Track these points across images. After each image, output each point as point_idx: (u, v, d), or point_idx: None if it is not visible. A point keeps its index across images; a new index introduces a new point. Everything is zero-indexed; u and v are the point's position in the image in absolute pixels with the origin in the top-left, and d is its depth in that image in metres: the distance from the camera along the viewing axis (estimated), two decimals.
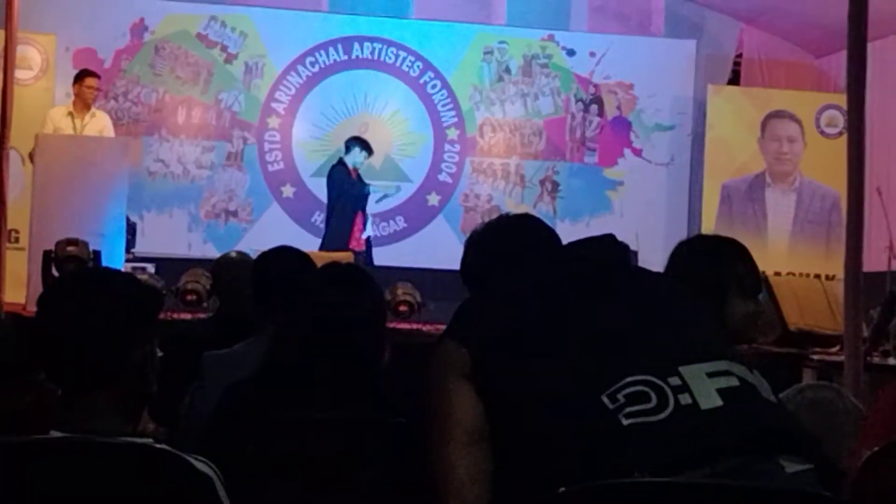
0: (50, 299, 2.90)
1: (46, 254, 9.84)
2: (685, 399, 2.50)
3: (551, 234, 3.36)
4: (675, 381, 2.52)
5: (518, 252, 3.23)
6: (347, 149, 12.71)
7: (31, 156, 11.01)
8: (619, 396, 2.49)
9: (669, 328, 2.69)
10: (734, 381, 2.58)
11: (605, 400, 2.49)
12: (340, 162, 12.69)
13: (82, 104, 11.59)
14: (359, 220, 12.63)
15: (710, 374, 2.56)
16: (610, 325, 2.67)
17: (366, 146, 12.74)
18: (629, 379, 2.52)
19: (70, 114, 11.53)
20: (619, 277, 2.88)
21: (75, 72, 12.08)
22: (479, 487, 2.63)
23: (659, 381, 2.52)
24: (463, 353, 2.74)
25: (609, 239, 3.06)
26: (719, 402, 2.51)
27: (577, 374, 2.57)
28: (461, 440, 2.65)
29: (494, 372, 2.68)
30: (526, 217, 3.41)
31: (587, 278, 2.82)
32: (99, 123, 11.66)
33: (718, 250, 4.03)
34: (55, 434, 2.76)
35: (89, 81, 11.66)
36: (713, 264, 3.92)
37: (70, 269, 9.63)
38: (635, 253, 14.70)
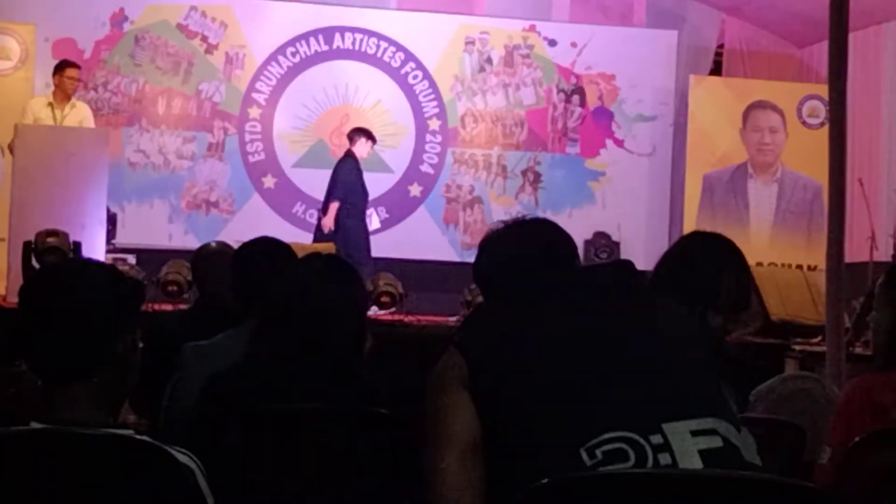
0: (31, 291, 2.90)
1: (26, 245, 9.82)
2: (665, 459, 2.50)
3: (571, 250, 3.29)
4: (656, 439, 2.52)
5: (534, 264, 3.13)
6: (352, 140, 12.69)
7: (10, 146, 10.98)
8: (598, 452, 2.49)
9: (663, 376, 2.65)
10: (717, 442, 2.56)
11: (584, 455, 2.49)
12: (349, 154, 12.66)
13: (62, 95, 11.54)
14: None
15: (695, 433, 2.55)
16: (606, 367, 2.65)
17: (370, 136, 12.74)
18: (609, 435, 2.51)
19: (50, 104, 11.48)
20: (627, 313, 2.82)
21: (55, 62, 12.03)
22: (471, 494, 2.63)
23: (640, 439, 2.51)
24: (461, 362, 2.73)
25: (627, 270, 3.00)
26: (699, 465, 2.51)
27: (561, 417, 2.56)
28: (456, 453, 2.65)
29: (486, 388, 2.67)
30: (547, 227, 3.30)
31: (594, 312, 2.79)
32: (79, 114, 11.62)
33: (712, 257, 3.99)
34: (35, 425, 2.75)
35: (70, 72, 11.62)
36: (702, 273, 3.89)
37: (50, 259, 9.62)
38: (617, 244, 14.76)
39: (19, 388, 3.65)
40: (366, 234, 12.75)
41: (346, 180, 12.53)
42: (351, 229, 12.49)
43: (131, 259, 11.70)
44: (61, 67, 11.69)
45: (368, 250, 12.64)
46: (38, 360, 2.85)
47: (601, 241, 14.17)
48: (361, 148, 12.65)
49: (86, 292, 2.82)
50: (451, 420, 2.68)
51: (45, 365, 2.83)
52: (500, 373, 2.66)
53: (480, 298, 11.50)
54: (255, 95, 14.27)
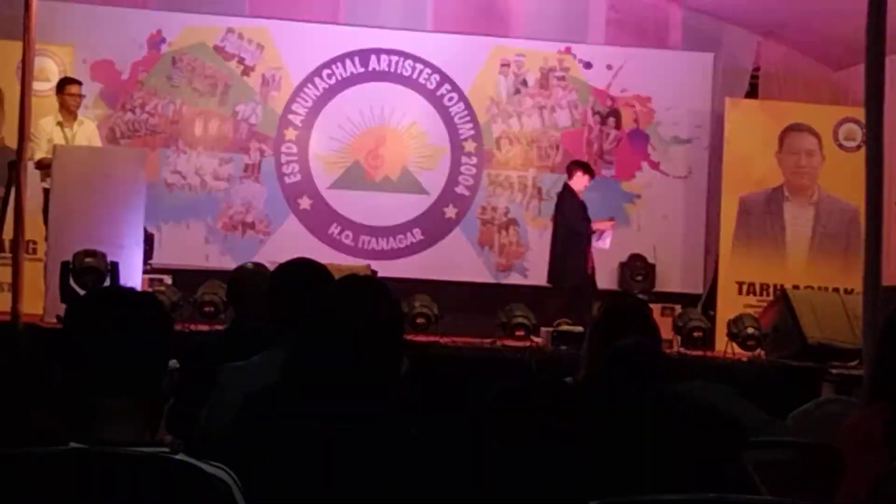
0: (87, 313, 2.94)
1: (64, 265, 9.87)
2: None
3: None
4: None
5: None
6: (570, 173, 12.82)
7: (38, 164, 11.06)
8: None
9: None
10: None
11: None
12: (567, 187, 12.88)
13: (68, 112, 11.59)
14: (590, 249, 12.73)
15: None
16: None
17: (588, 170, 12.89)
18: None
19: (59, 123, 11.54)
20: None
21: (94, 84, 12.10)
22: None
23: None
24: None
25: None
26: None
27: None
28: None
29: None
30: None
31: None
32: (87, 131, 11.69)
33: None
34: (75, 445, 2.77)
35: (70, 89, 11.67)
36: None
37: (89, 280, 9.67)
38: (652, 266, 14.74)
39: (55, 407, 3.67)
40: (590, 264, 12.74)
41: (568, 215, 12.65)
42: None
43: (167, 280, 11.76)
44: (62, 85, 11.77)
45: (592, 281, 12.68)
46: (81, 379, 2.87)
47: (636, 263, 14.16)
48: (579, 181, 12.79)
49: (142, 318, 2.92)
50: None
51: (89, 384, 2.85)
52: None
53: (516, 320, 11.54)
54: (291, 117, 14.33)
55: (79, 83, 11.86)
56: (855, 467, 3.55)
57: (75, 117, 11.65)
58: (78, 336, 2.88)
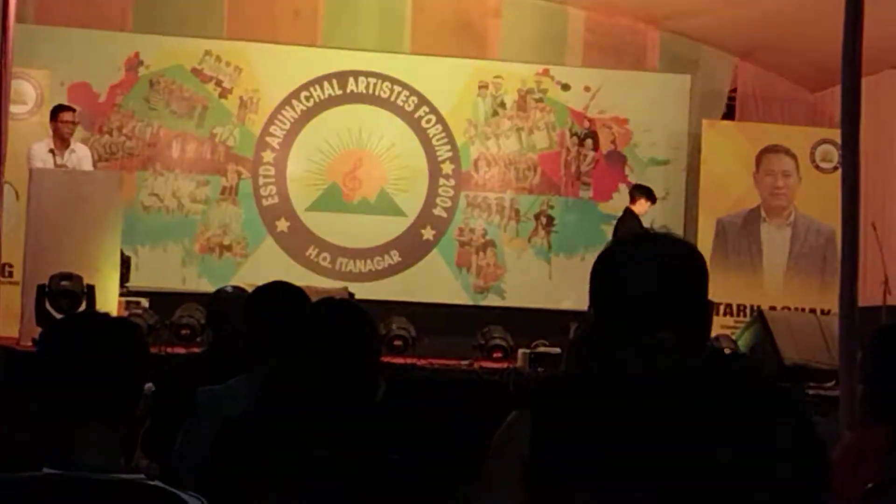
0: (60, 339, 2.92)
1: (40, 288, 9.84)
2: None
3: None
4: None
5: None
6: (633, 198, 13.06)
7: None
8: None
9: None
10: None
11: None
12: (629, 211, 13.05)
13: (60, 140, 11.54)
14: None
15: None
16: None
17: (651, 197, 13.10)
18: None
19: (51, 151, 11.49)
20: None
21: (70, 107, 12.05)
22: None
23: None
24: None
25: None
26: None
27: None
28: None
29: None
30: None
31: None
32: (77, 159, 11.60)
33: None
34: (48, 471, 2.75)
35: (63, 116, 11.60)
36: None
37: (64, 303, 9.64)
38: None
39: (30, 432, 3.65)
40: None
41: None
42: None
43: (144, 302, 11.72)
44: (55, 113, 11.69)
45: None
46: (58, 405, 2.85)
47: None
48: (641, 206, 13.03)
49: (129, 345, 2.91)
50: None
51: (66, 409, 2.83)
52: None
53: (494, 342, 11.53)
54: (268, 139, 14.31)
55: (72, 110, 11.79)
56: (845, 487, 3.54)
57: (68, 145, 11.56)
58: (51, 362, 2.87)
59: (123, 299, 11.31)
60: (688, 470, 2.31)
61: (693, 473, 2.32)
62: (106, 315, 3.10)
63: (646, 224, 12.95)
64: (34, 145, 11.62)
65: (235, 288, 6.37)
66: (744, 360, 2.52)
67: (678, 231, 14.72)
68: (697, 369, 2.40)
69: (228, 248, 14.18)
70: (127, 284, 11.68)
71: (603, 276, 2.72)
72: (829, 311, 12.26)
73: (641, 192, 13.17)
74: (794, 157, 14.62)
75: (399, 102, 14.54)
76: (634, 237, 2.90)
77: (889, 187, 13.67)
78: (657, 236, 2.79)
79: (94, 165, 12.30)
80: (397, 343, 11.31)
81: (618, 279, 2.67)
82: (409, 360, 11.05)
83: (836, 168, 13.64)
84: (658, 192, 14.31)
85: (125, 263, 11.45)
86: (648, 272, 2.63)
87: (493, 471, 2.58)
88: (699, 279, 2.69)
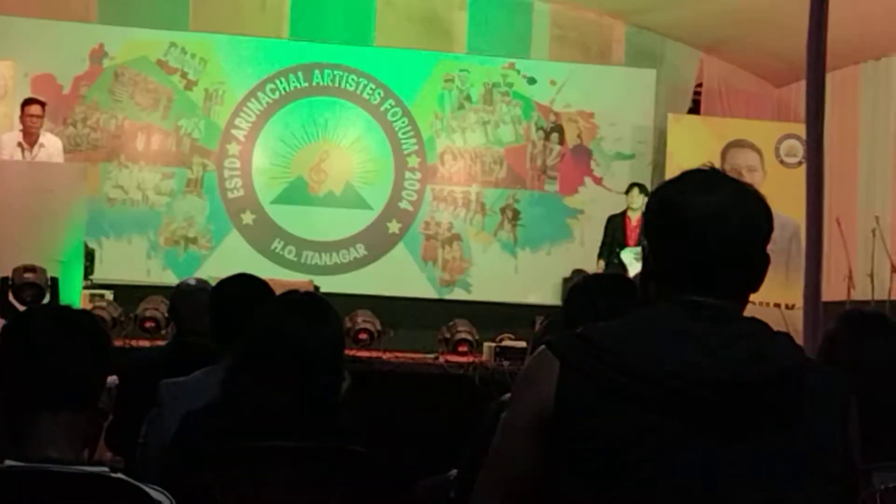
0: (21, 331, 2.90)
1: (3, 280, 9.77)
2: None
3: None
4: None
5: None
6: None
7: None
8: None
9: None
10: None
11: None
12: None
13: (27, 134, 11.47)
14: None
15: None
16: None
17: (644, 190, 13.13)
18: None
19: (20, 144, 11.42)
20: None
21: (34, 97, 11.98)
22: None
23: None
24: None
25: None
26: None
27: None
28: None
29: None
30: None
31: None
32: (47, 152, 11.54)
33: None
34: (11, 463, 2.73)
35: (28, 109, 11.53)
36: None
37: (28, 295, 9.58)
38: None
39: None
40: None
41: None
42: None
43: (108, 295, 11.67)
44: (23, 106, 11.64)
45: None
46: (20, 396, 2.83)
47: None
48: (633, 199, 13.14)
49: (91, 335, 2.90)
50: None
51: (27, 401, 2.81)
52: None
53: (460, 335, 11.54)
54: (234, 131, 14.27)
55: (40, 103, 11.69)
56: None
57: (35, 139, 11.50)
58: (12, 353, 2.85)
59: (87, 292, 11.26)
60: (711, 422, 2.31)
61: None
62: (66, 306, 3.09)
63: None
64: (2, 136, 11.57)
65: (198, 280, 6.35)
66: (790, 339, 2.49)
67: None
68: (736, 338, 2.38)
69: (193, 240, 14.13)
70: (91, 277, 11.64)
71: (670, 224, 2.57)
72: (793, 306, 12.31)
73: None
74: (758, 151, 14.65)
75: (365, 95, 14.51)
76: (709, 180, 2.69)
77: (853, 183, 13.72)
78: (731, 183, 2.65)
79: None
80: (363, 336, 11.30)
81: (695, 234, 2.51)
82: (374, 354, 11.05)
83: (800, 163, 13.68)
84: (623, 186, 14.32)
85: (89, 256, 11.41)
86: (725, 230, 2.52)
87: (512, 416, 2.50)
88: (768, 234, 2.62)
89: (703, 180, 2.57)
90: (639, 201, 12.94)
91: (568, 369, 2.37)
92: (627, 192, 13.24)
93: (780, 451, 2.33)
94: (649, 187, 14.65)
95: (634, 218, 12.90)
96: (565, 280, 13.87)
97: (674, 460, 2.29)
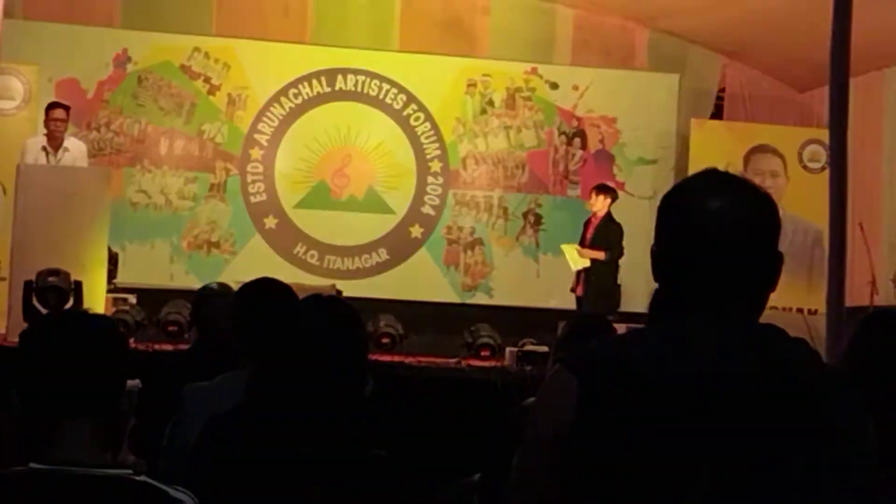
0: (41, 337, 2.91)
1: (27, 284, 9.81)
2: None
3: None
4: None
5: None
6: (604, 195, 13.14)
7: None
8: None
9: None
10: None
11: None
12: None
13: (51, 138, 11.48)
14: None
15: None
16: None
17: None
18: None
19: (44, 148, 11.44)
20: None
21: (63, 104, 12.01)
22: None
23: None
24: None
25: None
26: None
27: None
28: None
29: None
30: None
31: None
32: (72, 157, 11.55)
33: None
34: (35, 466, 2.74)
35: (53, 113, 11.52)
36: None
37: (52, 299, 9.62)
38: (618, 287, 14.76)
39: (16, 427, 3.64)
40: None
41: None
42: None
43: (132, 299, 11.70)
44: (47, 110, 11.65)
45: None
46: (42, 400, 2.84)
47: None
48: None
49: (107, 342, 2.89)
50: None
51: (50, 405, 2.82)
52: None
53: (482, 340, 11.55)
54: (256, 136, 14.30)
55: (64, 107, 11.67)
56: None
57: (60, 143, 11.49)
58: (32, 359, 2.86)
59: (111, 296, 11.29)
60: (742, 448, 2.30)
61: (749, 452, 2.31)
62: (84, 312, 3.09)
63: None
64: (28, 141, 11.62)
65: (220, 285, 6.37)
66: (807, 345, 2.48)
67: None
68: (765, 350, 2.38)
69: (216, 245, 14.16)
70: (114, 281, 11.67)
71: (679, 228, 2.51)
72: (816, 311, 12.26)
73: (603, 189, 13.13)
74: (781, 156, 14.62)
75: (388, 100, 14.53)
76: (713, 182, 2.57)
77: (877, 188, 13.69)
78: (737, 183, 2.55)
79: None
80: (385, 340, 11.32)
81: (703, 241, 2.46)
82: (396, 358, 11.06)
83: (823, 168, 13.65)
84: (646, 192, 14.33)
85: (113, 260, 11.44)
86: (735, 232, 2.46)
87: (532, 436, 2.49)
88: (776, 233, 2.54)
89: (709, 183, 2.54)
90: (598, 203, 12.85)
91: (586, 387, 2.36)
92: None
93: (799, 460, 2.33)
94: None
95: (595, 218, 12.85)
96: None
97: (694, 471, 2.30)
